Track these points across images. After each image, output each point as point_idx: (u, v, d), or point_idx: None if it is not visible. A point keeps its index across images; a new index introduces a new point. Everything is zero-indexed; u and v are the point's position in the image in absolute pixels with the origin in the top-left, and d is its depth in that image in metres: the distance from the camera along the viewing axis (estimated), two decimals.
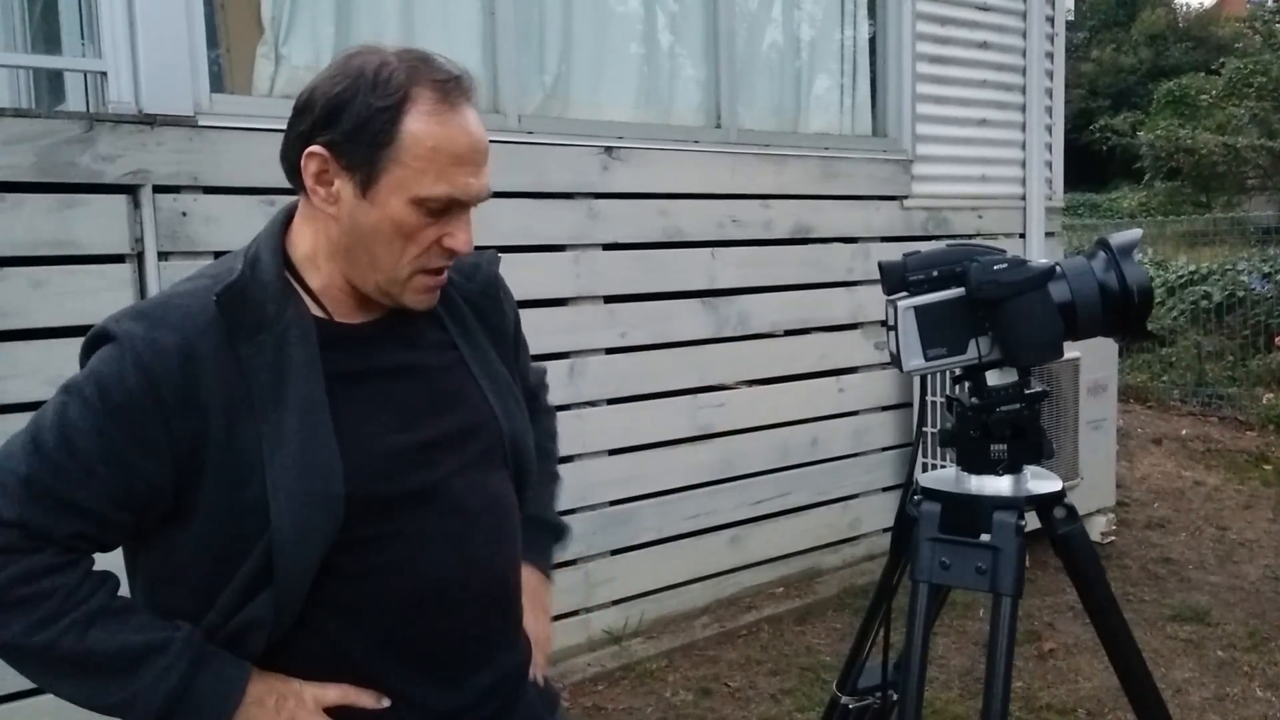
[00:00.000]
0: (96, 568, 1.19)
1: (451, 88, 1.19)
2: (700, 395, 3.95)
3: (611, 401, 3.69)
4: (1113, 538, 4.86)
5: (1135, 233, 1.53)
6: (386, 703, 1.24)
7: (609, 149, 3.66)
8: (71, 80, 3.43)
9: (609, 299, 3.69)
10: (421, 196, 1.18)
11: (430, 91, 1.18)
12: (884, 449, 4.55)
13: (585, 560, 3.60)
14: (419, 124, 1.17)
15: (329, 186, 1.20)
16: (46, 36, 3.71)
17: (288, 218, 1.29)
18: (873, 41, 4.68)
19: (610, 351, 3.69)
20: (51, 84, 3.74)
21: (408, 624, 1.24)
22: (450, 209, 1.21)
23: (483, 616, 1.31)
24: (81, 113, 2.86)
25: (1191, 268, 9.22)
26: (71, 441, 1.13)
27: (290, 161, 1.23)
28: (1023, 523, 1.53)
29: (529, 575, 1.49)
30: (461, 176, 1.19)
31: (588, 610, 3.67)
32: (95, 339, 1.19)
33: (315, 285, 1.25)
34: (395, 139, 1.16)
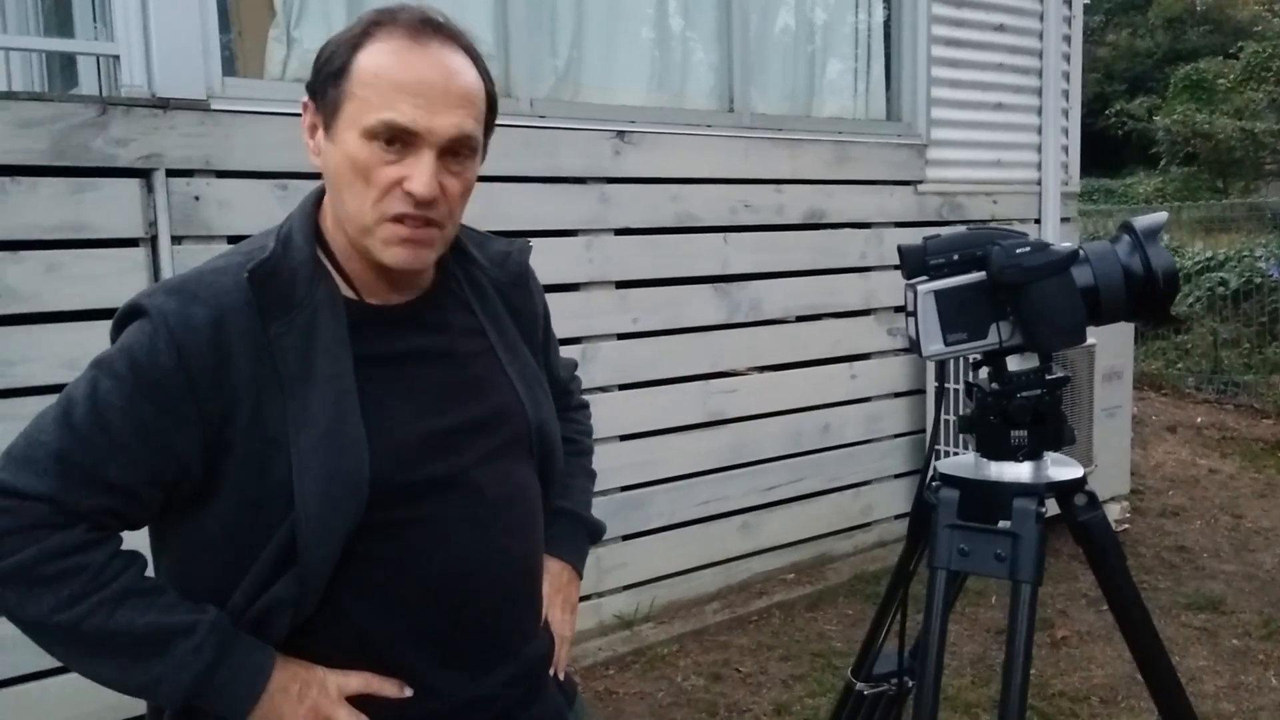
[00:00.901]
0: (124, 547, 1.18)
1: (421, 27, 1.17)
2: (712, 381, 3.94)
3: (623, 387, 3.69)
4: (1127, 525, 4.84)
5: (1160, 216, 1.51)
6: (408, 692, 1.23)
7: (621, 133, 3.64)
8: (84, 64, 3.43)
9: (621, 284, 3.67)
10: (366, 126, 1.14)
11: (397, 27, 1.16)
12: (896, 435, 4.53)
13: (597, 545, 3.58)
14: (370, 55, 1.16)
15: (315, 135, 1.21)
16: (59, 20, 3.71)
17: (320, 196, 1.27)
18: (887, 25, 4.64)
19: (622, 337, 3.68)
20: (64, 67, 3.74)
21: (430, 611, 1.23)
22: (407, 146, 1.15)
23: (505, 605, 1.30)
24: (95, 96, 2.85)
25: (1208, 254, 9.16)
26: (103, 416, 1.12)
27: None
28: (1043, 509, 1.51)
29: (560, 570, 1.48)
30: (408, 106, 1.14)
31: (599, 595, 3.68)
32: (127, 314, 1.18)
33: (348, 266, 1.24)
34: (348, 71, 1.16)
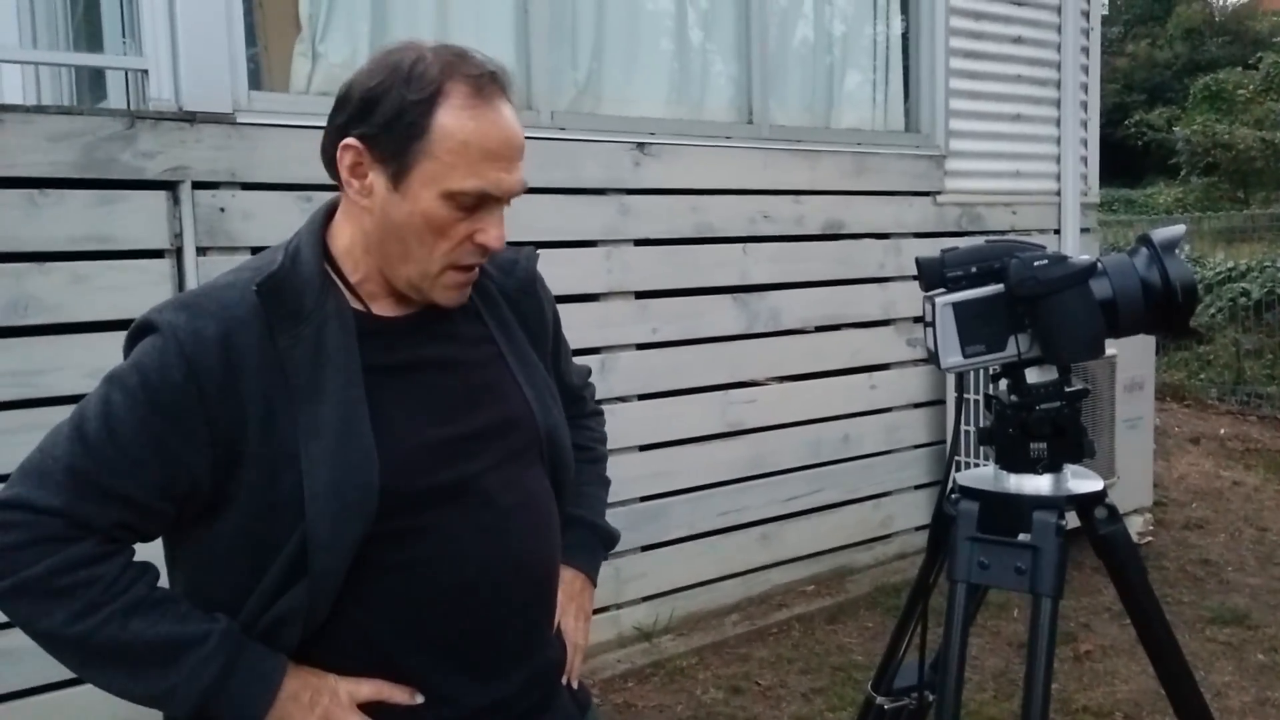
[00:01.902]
0: (136, 559, 1.20)
1: (485, 82, 1.20)
2: (731, 391, 3.94)
3: (642, 397, 3.70)
4: (1150, 538, 4.80)
5: (1179, 228, 1.51)
6: (419, 699, 1.24)
7: (641, 145, 3.66)
8: (113, 78, 3.48)
9: (640, 294, 3.69)
10: (452, 190, 1.18)
11: (464, 85, 1.18)
12: (916, 446, 4.52)
13: (616, 556, 3.60)
14: (451, 117, 1.17)
15: (363, 179, 1.21)
16: (89, 35, 3.76)
17: (329, 213, 1.30)
18: (905, 36, 4.65)
19: (641, 347, 3.69)
20: (94, 82, 3.79)
21: (441, 618, 1.24)
22: (482, 204, 1.21)
23: (517, 612, 1.31)
24: (123, 110, 2.90)
25: (1229, 264, 9.10)
26: (115, 431, 1.14)
27: (328, 154, 1.24)
28: (1063, 522, 1.51)
29: (573, 578, 1.49)
30: (493, 171, 1.19)
31: (618, 606, 3.68)
32: (139, 330, 1.20)
33: (355, 279, 1.26)
34: (427, 132, 1.17)
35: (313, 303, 1.20)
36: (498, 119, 1.20)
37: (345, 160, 1.21)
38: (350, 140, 1.20)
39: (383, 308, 1.28)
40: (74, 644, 1.14)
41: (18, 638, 1.15)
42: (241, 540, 1.19)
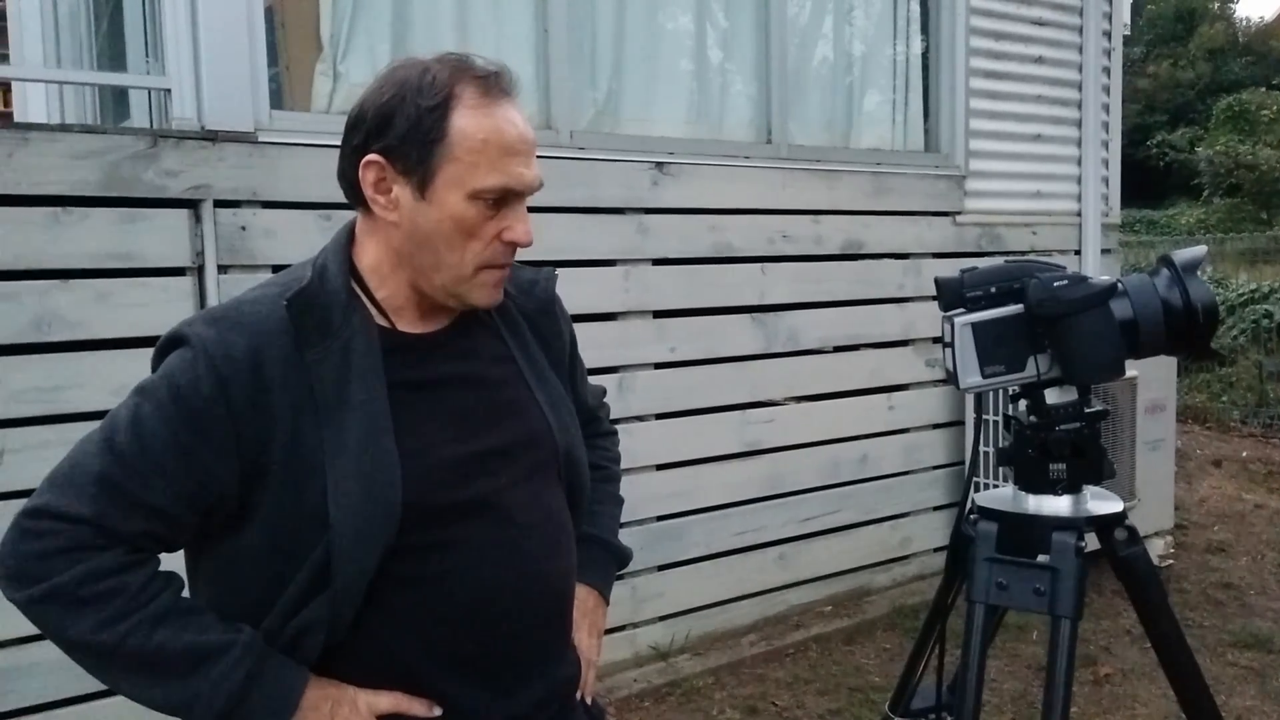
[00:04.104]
0: (161, 568, 1.21)
1: (492, 83, 1.23)
2: (749, 411, 3.93)
3: (660, 416, 3.69)
4: (1171, 561, 4.75)
5: (1200, 249, 1.50)
6: (437, 711, 1.25)
7: (660, 164, 3.67)
8: (136, 97, 3.52)
9: (658, 314, 3.69)
10: (478, 189, 1.20)
11: (473, 86, 1.21)
12: (935, 467, 4.49)
13: (632, 575, 3.59)
14: (466, 118, 1.20)
15: (388, 194, 1.23)
16: (112, 55, 3.80)
17: (351, 231, 1.32)
18: (925, 56, 4.65)
19: (659, 366, 3.69)
20: (117, 101, 3.84)
21: (460, 632, 1.25)
22: (506, 201, 1.23)
23: (535, 628, 1.32)
24: (146, 129, 2.93)
25: (1252, 286, 9.05)
26: (144, 442, 1.16)
27: (348, 176, 1.25)
28: (1083, 544, 1.50)
29: (586, 595, 1.50)
30: (513, 166, 1.22)
31: (634, 625, 3.67)
32: (169, 343, 1.22)
33: (380, 296, 1.28)
34: (446, 135, 1.19)
35: (340, 318, 1.22)
36: (510, 115, 1.23)
37: (368, 177, 1.23)
38: (372, 156, 1.22)
39: (407, 324, 1.29)
40: (100, 652, 1.16)
41: (38, 651, 1.16)
42: (265, 552, 1.20)
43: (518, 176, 1.22)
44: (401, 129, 1.20)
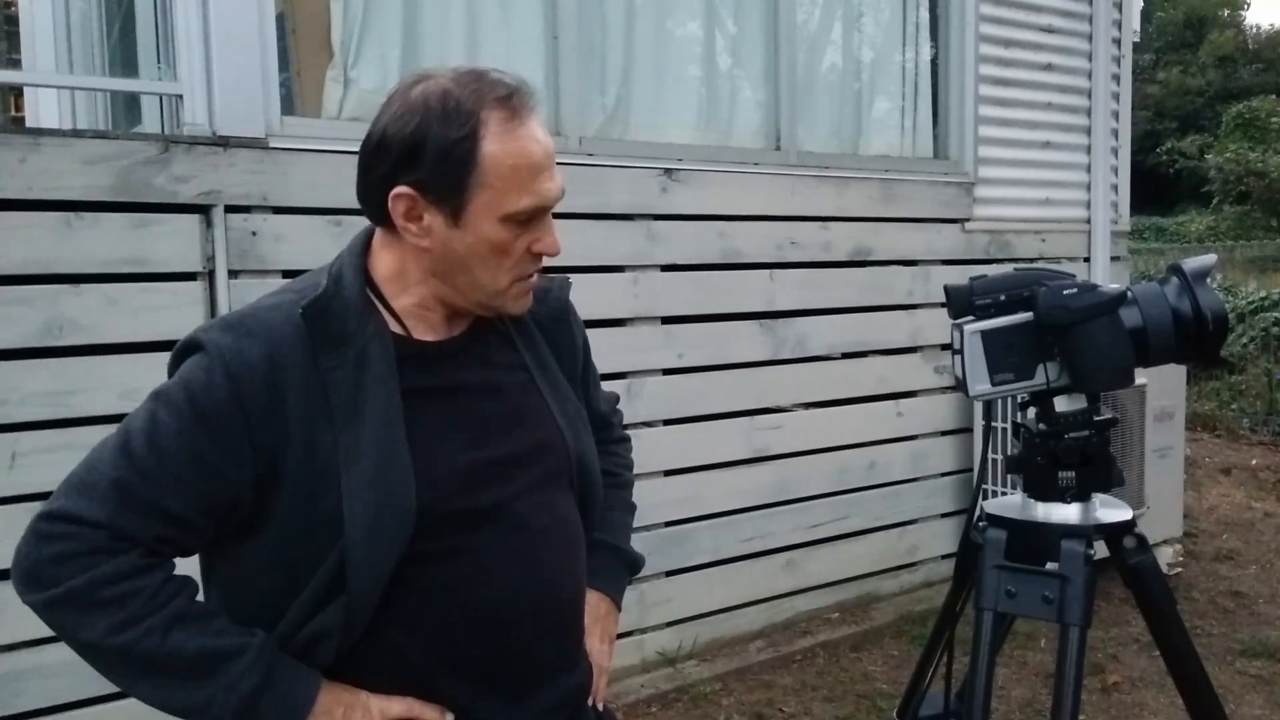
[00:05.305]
0: (176, 573, 1.22)
1: (516, 102, 1.23)
2: (757, 417, 3.93)
3: (668, 422, 3.70)
4: (1179, 569, 4.73)
5: (1209, 258, 1.50)
6: (450, 717, 1.26)
7: (669, 171, 3.68)
8: (148, 102, 3.53)
9: (666, 320, 3.69)
10: (510, 213, 1.22)
11: (499, 111, 1.21)
12: (943, 474, 4.48)
13: (640, 580, 3.58)
14: (496, 145, 1.20)
15: (419, 222, 1.23)
16: (124, 60, 3.82)
17: (367, 240, 1.32)
18: (934, 63, 4.65)
19: (667, 372, 3.69)
20: (128, 106, 3.86)
21: (472, 639, 1.26)
22: (535, 216, 1.25)
23: (547, 635, 1.32)
24: (157, 134, 2.94)
25: (1262, 294, 9.02)
26: (160, 447, 1.17)
27: (375, 203, 1.25)
28: (1091, 551, 1.50)
29: (598, 601, 1.50)
30: (541, 184, 1.24)
31: (642, 631, 3.67)
32: (185, 348, 1.23)
33: (398, 305, 1.28)
34: (477, 165, 1.20)
35: (355, 326, 1.23)
36: (534, 134, 1.24)
37: (399, 209, 1.23)
38: (402, 189, 1.21)
39: (423, 332, 1.30)
40: (114, 655, 1.16)
41: (50, 654, 1.17)
42: (279, 557, 1.21)
43: (546, 193, 1.24)
44: (431, 162, 1.20)
